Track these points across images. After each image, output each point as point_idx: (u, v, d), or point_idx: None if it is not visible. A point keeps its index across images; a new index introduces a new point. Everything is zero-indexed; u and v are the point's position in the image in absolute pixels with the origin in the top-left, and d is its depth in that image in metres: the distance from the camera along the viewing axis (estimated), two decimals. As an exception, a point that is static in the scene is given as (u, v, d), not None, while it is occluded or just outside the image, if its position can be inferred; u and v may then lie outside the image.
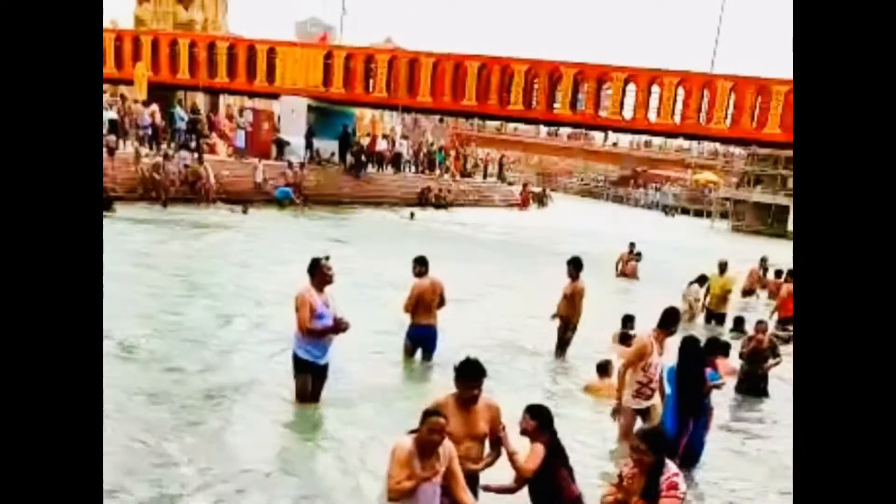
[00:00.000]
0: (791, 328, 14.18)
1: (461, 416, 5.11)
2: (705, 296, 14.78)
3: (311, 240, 20.00)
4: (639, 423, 7.56)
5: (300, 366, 7.69)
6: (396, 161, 37.95)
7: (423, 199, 36.30)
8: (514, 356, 11.09)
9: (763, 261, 17.51)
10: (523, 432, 5.31)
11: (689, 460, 7.06)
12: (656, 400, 7.67)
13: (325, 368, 7.77)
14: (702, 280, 14.77)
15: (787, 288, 14.65)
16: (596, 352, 10.83)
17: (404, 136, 41.54)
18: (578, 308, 11.03)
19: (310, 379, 7.73)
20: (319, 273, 7.49)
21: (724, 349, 9.84)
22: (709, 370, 7.67)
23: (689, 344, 7.23)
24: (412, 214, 31.09)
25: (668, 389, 7.41)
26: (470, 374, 5.14)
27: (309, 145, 32.87)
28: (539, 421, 5.28)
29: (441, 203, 37.17)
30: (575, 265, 10.97)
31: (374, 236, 23.79)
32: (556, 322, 11.15)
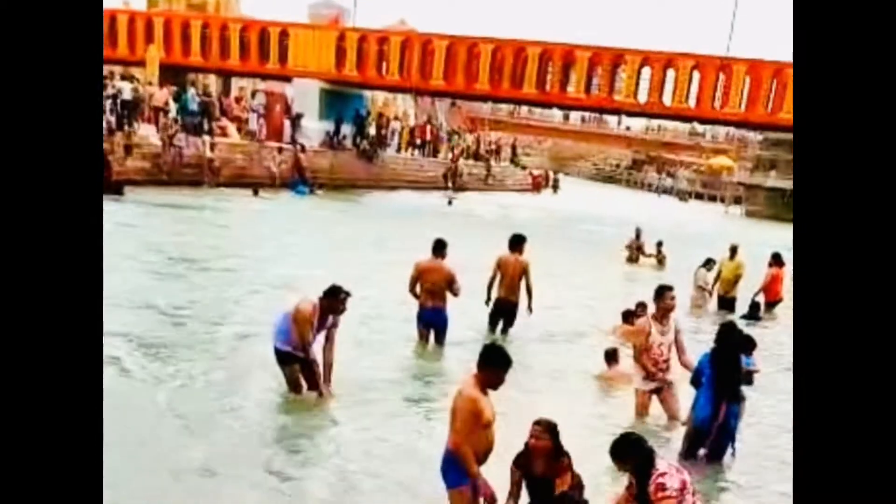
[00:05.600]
0: (774, 311, 14.66)
1: (487, 402, 5.11)
2: (716, 280, 14.71)
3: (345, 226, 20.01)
4: (654, 403, 7.99)
5: (283, 358, 7.61)
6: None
7: (454, 184, 36.37)
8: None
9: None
10: (534, 448, 5.06)
11: (719, 450, 7.01)
12: (669, 377, 7.88)
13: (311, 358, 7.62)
14: (708, 263, 14.71)
15: (770, 272, 14.69)
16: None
17: (396, 118, 41.13)
18: (518, 285, 10.54)
19: (297, 368, 7.62)
20: (333, 302, 7.46)
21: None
22: (744, 356, 7.79)
23: (727, 330, 7.22)
24: (450, 201, 31.64)
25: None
26: (500, 360, 5.14)
27: (337, 131, 32.98)
28: (554, 440, 5.05)
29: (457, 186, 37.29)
30: (513, 241, 10.62)
31: (411, 220, 23.79)
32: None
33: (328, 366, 7.66)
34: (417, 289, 9.82)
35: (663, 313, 7.86)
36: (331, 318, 7.54)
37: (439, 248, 9.79)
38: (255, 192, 25.08)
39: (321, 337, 7.60)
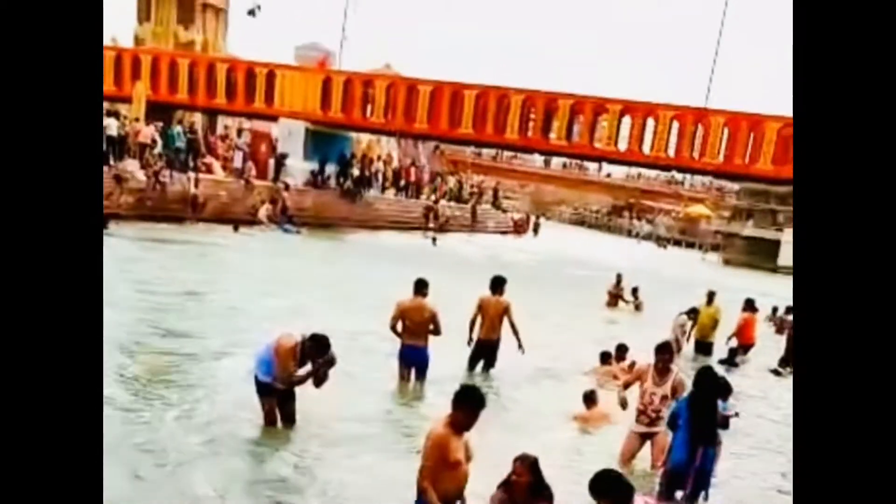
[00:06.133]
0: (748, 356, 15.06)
1: (460, 442, 5.23)
2: (692, 326, 14.95)
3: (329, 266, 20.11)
4: (647, 448, 8.01)
5: (262, 389, 7.68)
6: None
7: (436, 224, 36.64)
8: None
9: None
10: (515, 484, 5.20)
11: (694, 492, 7.12)
12: (661, 428, 7.85)
13: (290, 390, 7.71)
14: (691, 312, 14.96)
15: (743, 317, 15.03)
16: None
17: (380, 159, 41.49)
18: (500, 328, 10.75)
19: (275, 402, 7.71)
20: (314, 349, 7.46)
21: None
22: (720, 401, 7.84)
23: (705, 374, 7.25)
24: (434, 240, 32.19)
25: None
26: (474, 401, 5.24)
27: (321, 171, 33.35)
28: (536, 476, 5.20)
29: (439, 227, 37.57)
30: (494, 282, 10.80)
31: (395, 259, 23.92)
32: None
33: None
34: (399, 327, 9.89)
35: (661, 367, 7.87)
36: (309, 363, 7.56)
37: (420, 287, 9.91)
38: (235, 228, 25.27)
39: (302, 371, 7.64)
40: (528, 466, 5.15)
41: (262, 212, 28.21)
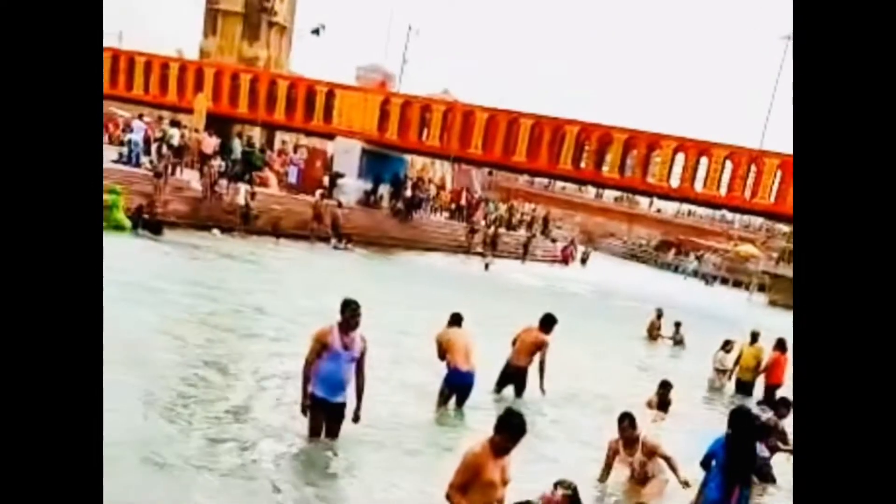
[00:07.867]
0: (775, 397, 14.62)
1: (497, 464, 5.35)
2: (735, 364, 14.96)
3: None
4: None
5: (316, 403, 7.61)
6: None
7: (487, 247, 36.97)
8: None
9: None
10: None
11: None
12: (657, 477, 7.98)
13: (340, 407, 7.69)
14: (727, 345, 15.00)
15: (773, 356, 14.84)
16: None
17: (431, 182, 41.92)
18: (528, 357, 11.00)
19: (322, 416, 7.69)
20: (349, 315, 7.44)
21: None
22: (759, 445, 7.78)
23: (741, 416, 7.18)
24: (487, 266, 32.82)
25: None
26: (514, 426, 5.36)
27: (374, 190, 33.87)
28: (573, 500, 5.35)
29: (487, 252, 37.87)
30: (544, 321, 11.04)
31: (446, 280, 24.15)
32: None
33: (359, 393, 7.72)
34: (446, 356, 9.99)
35: (626, 438, 7.96)
36: (358, 342, 7.52)
37: (456, 320, 10.18)
38: (277, 238, 26.08)
39: (352, 374, 7.64)
40: (568, 489, 5.27)
41: (333, 241, 28.62)
